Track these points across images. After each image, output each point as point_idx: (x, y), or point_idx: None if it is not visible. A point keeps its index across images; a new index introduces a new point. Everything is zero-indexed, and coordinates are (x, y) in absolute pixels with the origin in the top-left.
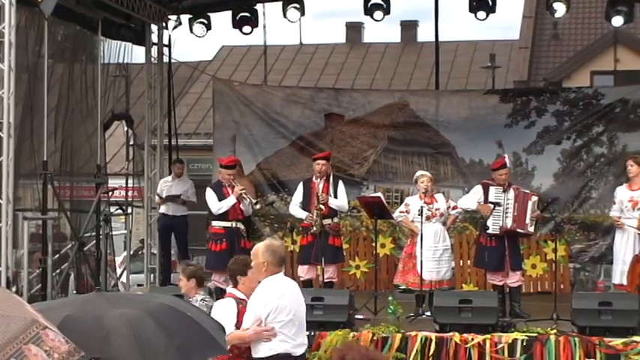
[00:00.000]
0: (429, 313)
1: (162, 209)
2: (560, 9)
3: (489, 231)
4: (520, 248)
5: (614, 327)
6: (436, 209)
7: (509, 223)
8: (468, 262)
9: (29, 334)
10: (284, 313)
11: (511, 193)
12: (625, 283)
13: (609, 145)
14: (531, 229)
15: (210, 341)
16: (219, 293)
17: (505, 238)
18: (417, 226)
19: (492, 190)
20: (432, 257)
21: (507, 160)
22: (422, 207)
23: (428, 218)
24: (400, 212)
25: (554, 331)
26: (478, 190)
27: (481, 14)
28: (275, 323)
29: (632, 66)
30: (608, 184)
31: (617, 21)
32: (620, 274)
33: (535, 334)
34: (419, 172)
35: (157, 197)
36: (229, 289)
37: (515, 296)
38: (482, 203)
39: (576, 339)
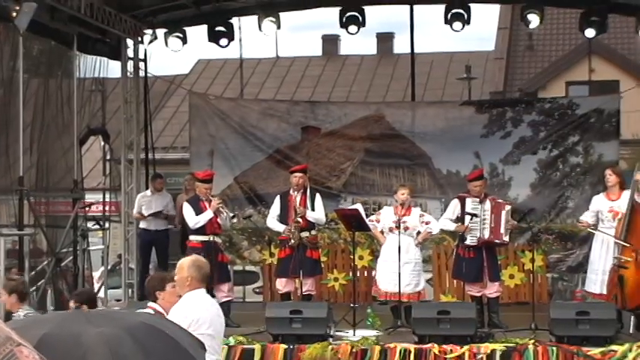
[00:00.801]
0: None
1: (143, 224)
2: (534, 20)
3: (467, 242)
4: (498, 259)
5: (592, 336)
6: (403, 222)
7: (486, 234)
8: (447, 273)
9: (2, 351)
10: (205, 326)
11: (487, 205)
12: (605, 292)
13: (585, 154)
14: (506, 238)
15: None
16: None
17: (483, 249)
18: (383, 237)
19: (469, 201)
20: (393, 270)
21: (484, 172)
22: (399, 219)
23: (391, 230)
24: (370, 220)
25: (533, 341)
26: (455, 204)
27: (457, 25)
28: (195, 335)
29: (607, 76)
30: (585, 193)
31: (591, 32)
32: (600, 283)
33: (513, 345)
34: (399, 184)
35: (135, 213)
36: (149, 303)
37: (493, 307)
38: (458, 218)
39: (554, 348)
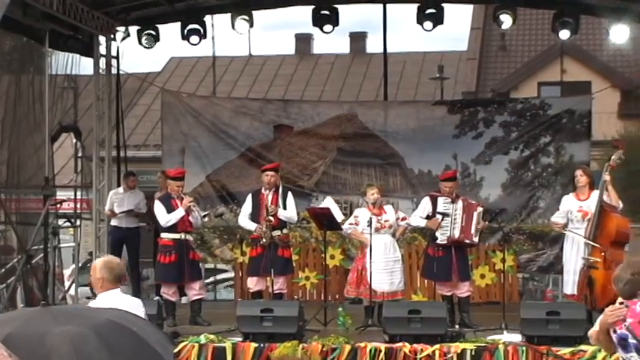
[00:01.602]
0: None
1: (115, 222)
2: (506, 20)
3: (438, 241)
4: (469, 258)
5: (562, 336)
6: (385, 221)
7: (456, 233)
8: (418, 272)
9: None
10: None
11: (459, 204)
12: (576, 292)
13: (556, 155)
14: (476, 239)
15: (155, 357)
16: (169, 306)
17: (452, 248)
18: (367, 238)
19: (440, 200)
20: (383, 269)
21: (458, 174)
22: (371, 218)
23: (377, 230)
24: (350, 224)
25: (503, 340)
26: (426, 202)
27: (428, 25)
28: None
29: (579, 77)
30: (556, 194)
31: (564, 34)
32: (571, 284)
33: (484, 344)
34: (367, 184)
35: (107, 210)
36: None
37: (463, 306)
38: (430, 217)
39: (524, 348)
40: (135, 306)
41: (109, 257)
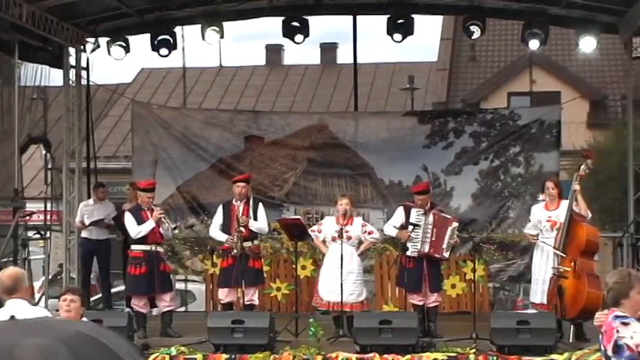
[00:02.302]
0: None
1: (85, 234)
2: (476, 31)
3: (408, 253)
4: (440, 269)
5: (532, 345)
6: (346, 231)
7: (426, 247)
8: (389, 282)
9: None
10: None
11: (430, 218)
12: (545, 302)
13: (526, 165)
14: (447, 254)
15: None
16: (139, 318)
17: (424, 260)
18: (326, 247)
19: (413, 211)
20: (335, 278)
21: (430, 187)
22: (341, 229)
23: (334, 239)
24: (312, 231)
25: (474, 350)
26: (400, 212)
27: (398, 36)
28: None
29: (548, 87)
30: (526, 204)
31: (533, 44)
32: (540, 293)
33: (454, 354)
34: (340, 194)
35: (77, 222)
36: None
37: (431, 316)
38: (402, 226)
39: (495, 358)
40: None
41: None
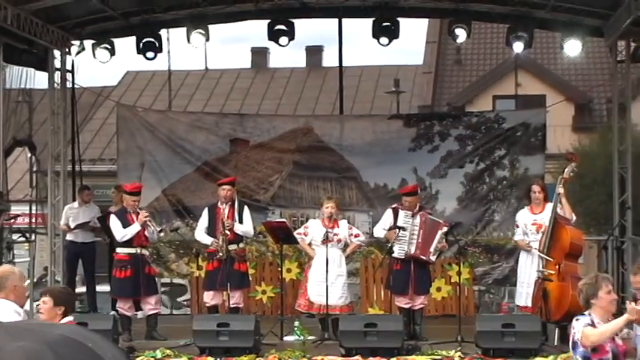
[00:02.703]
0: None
1: (70, 237)
2: (461, 35)
3: (394, 255)
4: (429, 272)
5: (518, 348)
6: (335, 234)
7: (412, 249)
8: (374, 285)
9: None
10: None
11: (417, 220)
12: (530, 305)
13: (511, 168)
14: (433, 257)
15: None
16: (124, 321)
17: (411, 262)
18: (313, 250)
19: (401, 214)
20: (323, 281)
21: (418, 189)
22: (327, 232)
23: (324, 243)
24: (298, 234)
25: (459, 353)
26: (389, 214)
27: (384, 40)
28: None
29: (533, 90)
30: (511, 207)
31: (518, 47)
32: (525, 296)
33: (440, 357)
34: (326, 197)
35: (62, 225)
36: None
37: (416, 318)
38: (391, 228)
39: None
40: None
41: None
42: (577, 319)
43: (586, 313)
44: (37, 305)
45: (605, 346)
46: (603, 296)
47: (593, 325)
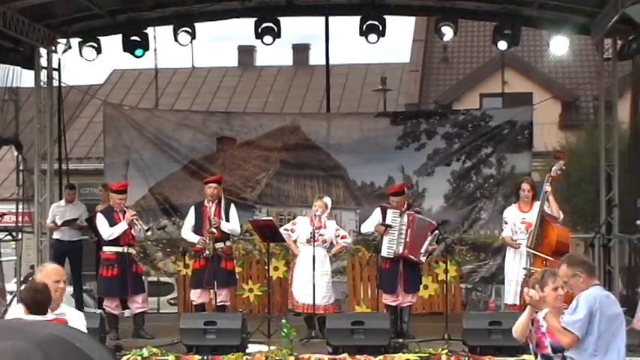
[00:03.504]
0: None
1: (57, 235)
2: (448, 33)
3: (383, 254)
4: (419, 270)
5: (505, 346)
6: (320, 235)
7: (400, 249)
8: (361, 284)
9: None
10: None
11: (405, 219)
12: (518, 303)
13: (498, 166)
14: (423, 258)
15: None
16: (111, 319)
17: (400, 261)
18: (297, 247)
19: (389, 212)
20: (308, 281)
21: (405, 188)
22: (314, 231)
23: (309, 242)
24: (285, 230)
25: (446, 351)
26: (377, 213)
27: (372, 37)
28: None
29: (520, 88)
30: (498, 204)
31: (503, 45)
32: (513, 294)
33: (427, 355)
34: (317, 196)
35: (49, 223)
36: None
37: (404, 316)
38: (380, 224)
39: (467, 358)
40: None
41: None
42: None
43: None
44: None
45: (544, 341)
46: (549, 292)
47: (533, 321)
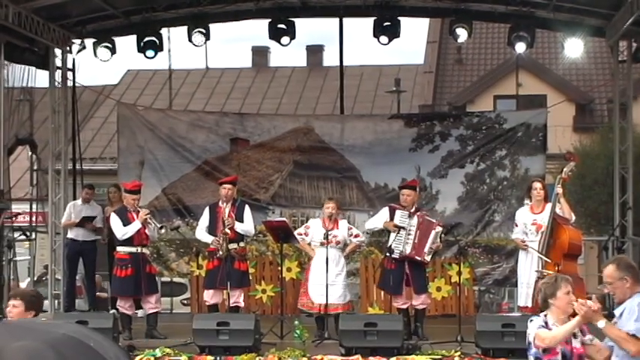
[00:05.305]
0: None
1: (71, 234)
2: (462, 34)
3: (392, 255)
4: (425, 271)
5: (518, 349)
6: (334, 236)
7: (408, 249)
8: (374, 285)
9: None
10: None
11: (415, 220)
12: (530, 305)
13: (512, 168)
14: (428, 257)
15: None
16: (125, 319)
17: (405, 262)
18: (312, 250)
19: (398, 213)
20: (324, 282)
21: (417, 185)
22: (326, 233)
23: (323, 244)
24: (298, 234)
25: (459, 353)
26: (385, 212)
27: (384, 39)
28: None
29: (534, 90)
30: (511, 207)
31: (520, 47)
32: (525, 296)
33: (440, 357)
34: (327, 197)
35: (65, 220)
36: None
37: (419, 318)
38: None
39: None
40: None
41: None
42: (531, 320)
43: (542, 314)
44: (7, 309)
45: (556, 348)
46: (561, 296)
47: (546, 326)
